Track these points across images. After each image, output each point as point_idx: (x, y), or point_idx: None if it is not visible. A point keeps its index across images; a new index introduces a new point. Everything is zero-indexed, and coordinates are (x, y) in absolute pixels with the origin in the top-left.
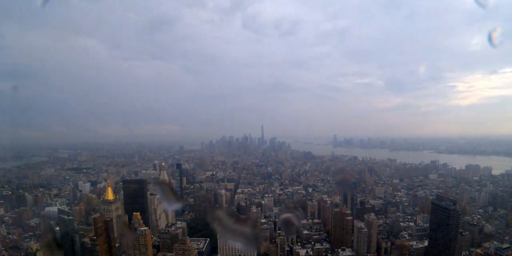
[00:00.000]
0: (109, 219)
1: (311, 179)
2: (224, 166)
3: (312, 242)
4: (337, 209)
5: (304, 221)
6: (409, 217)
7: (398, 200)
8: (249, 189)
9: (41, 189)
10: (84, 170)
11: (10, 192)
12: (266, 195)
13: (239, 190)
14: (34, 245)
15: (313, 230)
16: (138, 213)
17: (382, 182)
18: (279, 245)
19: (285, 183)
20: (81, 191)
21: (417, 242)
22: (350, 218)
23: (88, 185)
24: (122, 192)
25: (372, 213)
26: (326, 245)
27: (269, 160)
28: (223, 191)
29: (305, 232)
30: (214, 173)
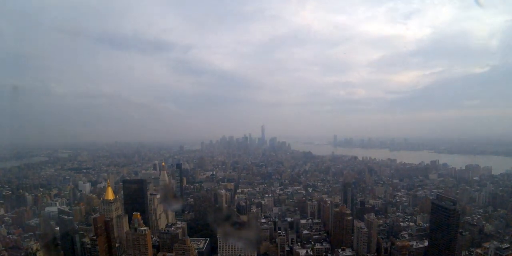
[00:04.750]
0: (109, 219)
1: (311, 179)
2: (224, 166)
3: (312, 242)
4: (337, 209)
5: (304, 221)
6: (409, 217)
7: (398, 200)
8: (249, 189)
9: (41, 189)
10: (84, 170)
11: (10, 192)
12: (266, 195)
13: (239, 190)
14: (34, 245)
15: (313, 230)
16: (138, 213)
17: (382, 182)
18: (279, 245)
19: (285, 183)
20: (81, 191)
21: (417, 242)
22: (350, 218)
23: (88, 185)
24: (122, 192)
25: (372, 213)
26: (326, 245)
27: (269, 160)
28: (223, 191)
29: (305, 232)
30: (214, 173)
